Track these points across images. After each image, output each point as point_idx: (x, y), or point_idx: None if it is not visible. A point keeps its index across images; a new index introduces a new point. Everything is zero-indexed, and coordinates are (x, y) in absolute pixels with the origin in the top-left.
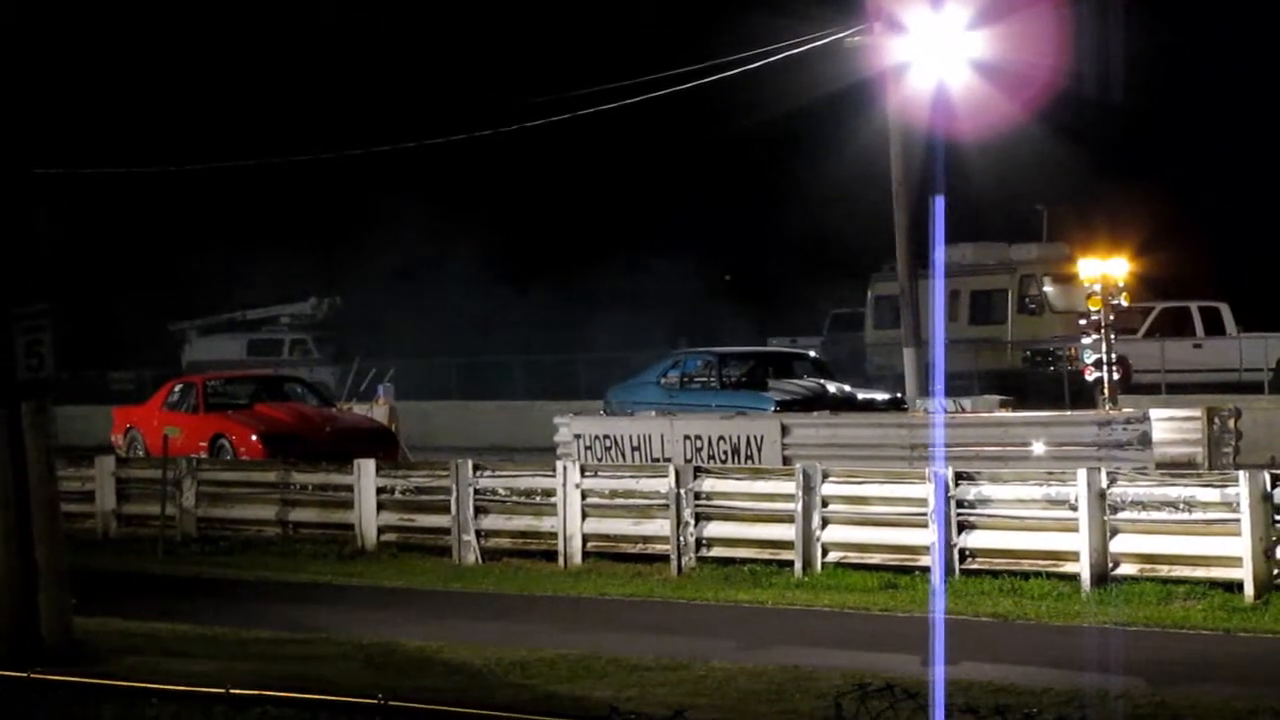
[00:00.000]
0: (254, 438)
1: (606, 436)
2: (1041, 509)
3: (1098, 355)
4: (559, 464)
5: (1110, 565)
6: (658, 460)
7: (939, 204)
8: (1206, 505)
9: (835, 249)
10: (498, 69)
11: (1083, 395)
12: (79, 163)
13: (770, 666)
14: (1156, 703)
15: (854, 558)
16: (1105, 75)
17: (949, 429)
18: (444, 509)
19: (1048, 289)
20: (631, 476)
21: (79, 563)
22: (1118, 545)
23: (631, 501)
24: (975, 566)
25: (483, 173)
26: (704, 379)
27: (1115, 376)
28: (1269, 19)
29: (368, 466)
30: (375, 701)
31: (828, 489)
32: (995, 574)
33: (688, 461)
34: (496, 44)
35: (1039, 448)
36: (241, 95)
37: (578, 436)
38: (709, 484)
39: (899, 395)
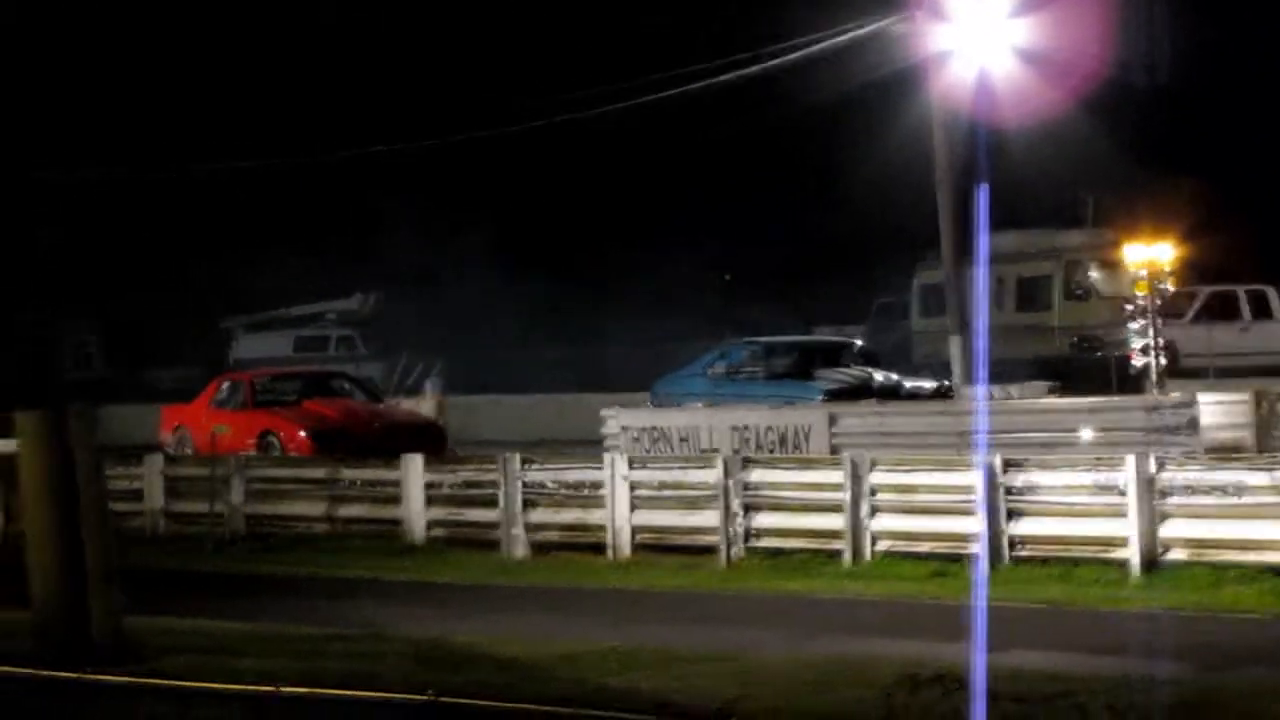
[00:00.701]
0: (302, 434)
1: (654, 428)
2: (1090, 495)
3: (1145, 340)
4: (606, 456)
5: (1160, 550)
6: (705, 451)
7: (983, 191)
8: (1256, 489)
9: (880, 238)
10: (529, 65)
11: (1130, 380)
12: (126, 164)
13: (819, 657)
14: (1208, 688)
15: (903, 546)
16: (1150, 61)
17: (996, 416)
18: (492, 503)
19: (1094, 274)
20: (679, 468)
21: (128, 561)
22: (1167, 530)
23: (680, 493)
24: (1025, 553)
25: (511, 170)
26: (751, 369)
27: (1163, 361)
28: None
29: (415, 461)
30: (426, 698)
31: (876, 478)
32: (1045, 560)
33: (735, 452)
34: (529, 40)
35: (1087, 434)
36: (275, 95)
37: (625, 429)
38: (757, 474)
39: (946, 383)
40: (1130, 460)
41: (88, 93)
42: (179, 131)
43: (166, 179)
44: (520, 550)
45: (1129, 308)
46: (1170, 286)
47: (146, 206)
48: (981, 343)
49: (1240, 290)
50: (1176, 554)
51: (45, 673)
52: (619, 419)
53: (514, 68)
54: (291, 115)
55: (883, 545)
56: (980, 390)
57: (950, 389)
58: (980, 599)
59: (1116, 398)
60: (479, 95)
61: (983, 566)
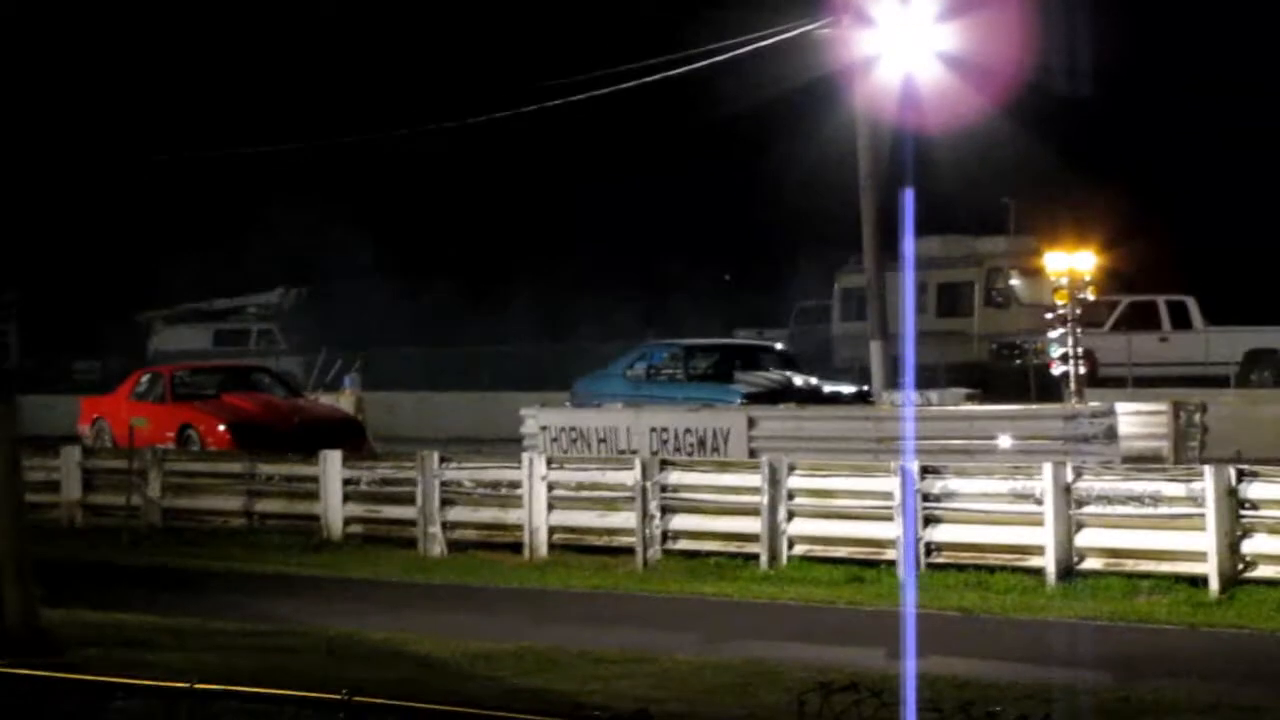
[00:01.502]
0: (221, 428)
1: (573, 428)
2: (1007, 503)
3: (1064, 349)
4: (525, 456)
5: (1076, 559)
6: (624, 452)
7: (908, 197)
8: (1172, 500)
9: (802, 242)
10: (464, 60)
11: (1049, 389)
12: (46, 150)
13: (735, 660)
14: (1121, 697)
15: (820, 551)
16: (1072, 69)
17: (915, 422)
18: (409, 500)
19: (1014, 282)
20: (597, 468)
21: (44, 553)
22: (1083, 539)
23: (597, 494)
24: (941, 560)
25: (447, 165)
26: (670, 371)
27: (1081, 370)
28: (1233, 13)
29: (333, 458)
30: (340, 697)
31: (794, 482)
32: (961, 568)
33: (654, 454)
34: (460, 36)
35: (1005, 441)
36: (209, 84)
37: (544, 428)
38: (675, 476)
39: (865, 388)
40: (1047, 469)
41: (52, 80)
42: (100, 120)
43: (87, 168)
44: (437, 548)
45: (1049, 316)
46: (1090, 295)
47: (65, 195)
48: (908, 348)
49: (1160, 300)
50: (1092, 563)
51: None
52: (538, 419)
53: (441, 65)
54: (215, 107)
55: (799, 549)
56: (904, 395)
57: (870, 394)
58: (906, 605)
59: (1035, 406)
60: (402, 92)
61: (905, 572)
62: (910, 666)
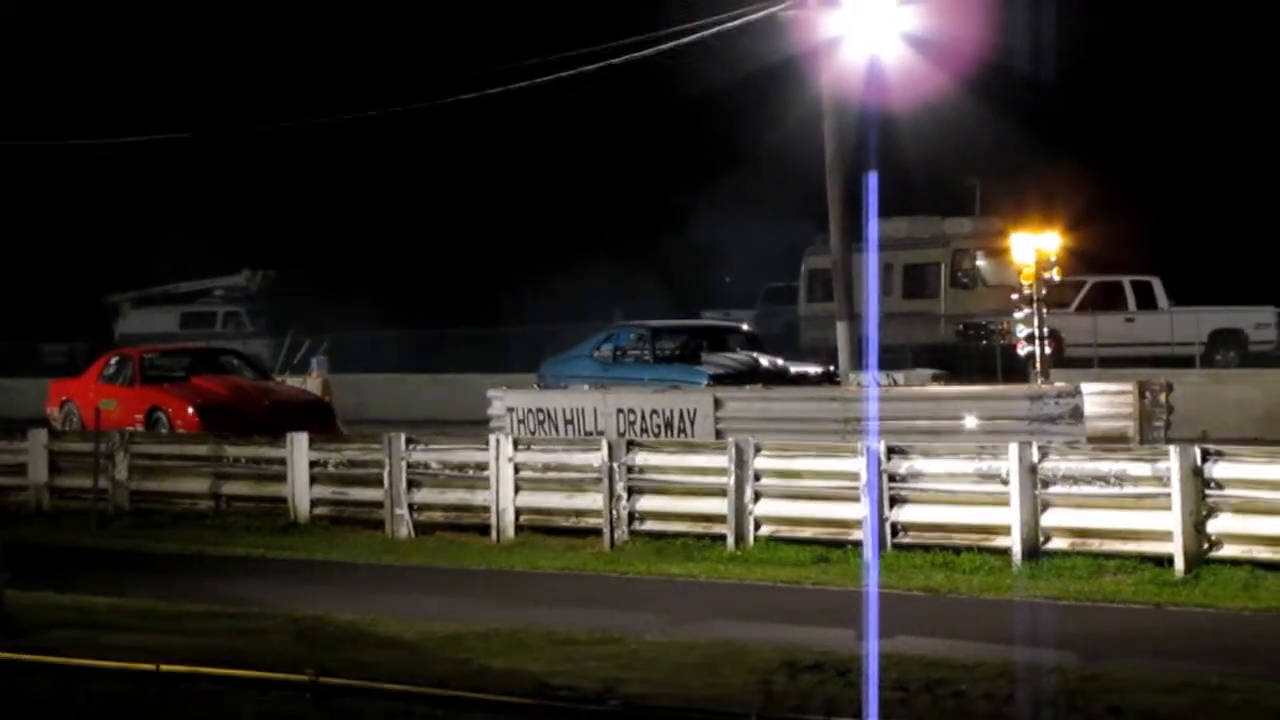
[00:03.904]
0: (190, 411)
1: (540, 410)
2: (973, 483)
3: (1030, 329)
4: (492, 438)
5: (1041, 539)
6: (591, 434)
7: (873, 179)
8: (1137, 480)
9: (769, 222)
10: (429, 41)
11: (1015, 369)
12: (7, 131)
13: (702, 641)
14: (1088, 676)
15: (786, 532)
16: (1037, 49)
17: (881, 403)
18: (377, 482)
19: (980, 263)
20: (564, 450)
21: (11, 536)
22: (1049, 519)
23: (564, 475)
24: (907, 541)
25: (418, 147)
26: (637, 352)
27: (1047, 351)
28: None
29: (300, 440)
30: (307, 678)
31: (760, 463)
32: (927, 548)
33: (621, 435)
34: (428, 17)
35: (971, 422)
36: (175, 64)
37: (511, 410)
38: (641, 457)
39: (832, 369)
40: (1013, 449)
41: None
42: (66, 102)
43: (54, 149)
44: (404, 530)
45: (1015, 296)
46: (1056, 276)
47: (33, 176)
48: (873, 329)
49: (1125, 280)
50: (1058, 543)
51: None
52: (505, 400)
53: (410, 46)
54: (184, 89)
55: (766, 530)
56: (870, 376)
57: (836, 375)
58: (869, 585)
59: (1001, 386)
60: (372, 74)
61: (870, 553)
62: (874, 646)
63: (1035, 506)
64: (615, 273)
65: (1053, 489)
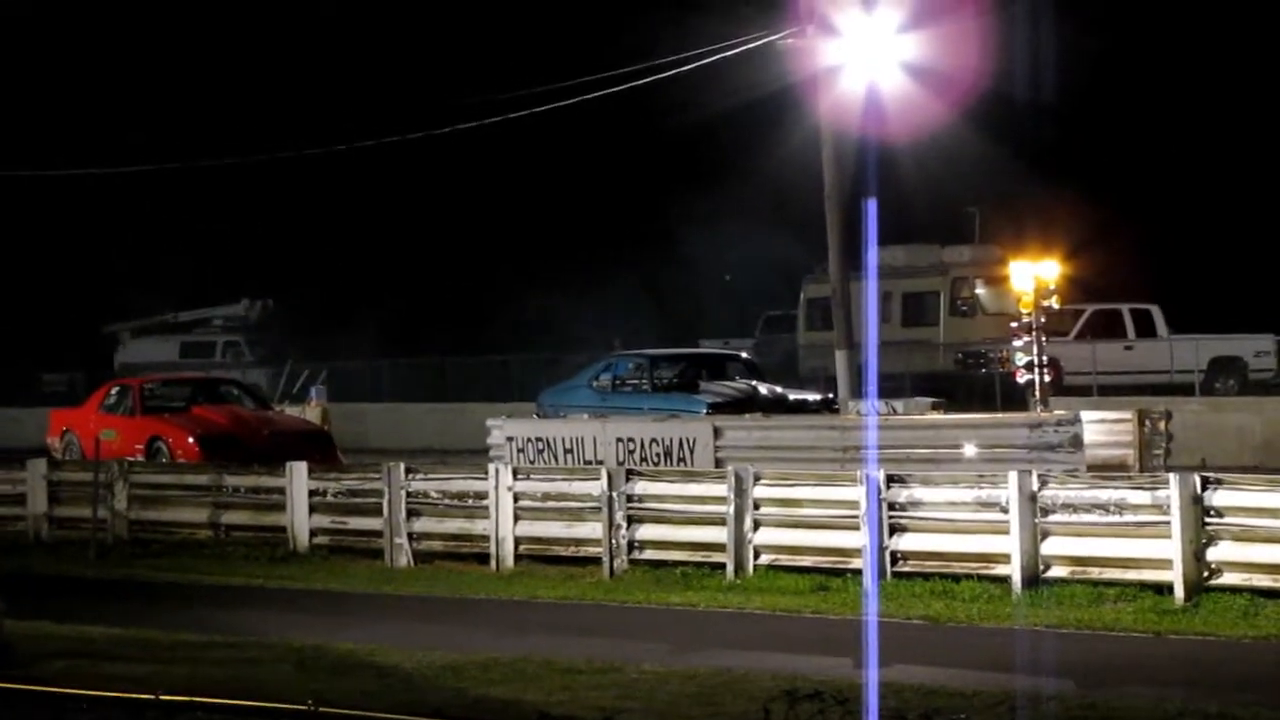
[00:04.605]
0: (191, 440)
1: (539, 439)
2: (973, 511)
3: (1029, 357)
4: (491, 467)
5: (1041, 568)
6: (590, 463)
7: (871, 207)
8: (1137, 508)
9: (768, 251)
10: (431, 69)
11: (1014, 398)
12: (8, 161)
13: (701, 670)
14: (1086, 705)
15: (786, 560)
16: (1036, 78)
17: (881, 431)
18: (376, 511)
19: (980, 291)
20: (564, 479)
21: (10, 566)
22: (1049, 548)
23: (564, 504)
24: (907, 569)
25: (416, 176)
26: (636, 381)
27: (1046, 378)
28: (1197, 22)
29: (299, 469)
30: (305, 707)
31: (760, 491)
32: (927, 576)
33: (620, 464)
34: (432, 44)
35: (970, 450)
36: (175, 94)
37: (510, 439)
38: (641, 486)
39: (831, 397)
40: (1013, 477)
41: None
42: (67, 132)
43: (54, 180)
44: (403, 559)
45: (1014, 324)
46: (1055, 304)
47: (33, 206)
48: (872, 357)
49: (1125, 308)
50: (1058, 571)
51: None
52: (504, 429)
53: (407, 75)
54: (183, 119)
55: (765, 559)
56: (869, 405)
57: (835, 403)
58: (869, 613)
59: (1000, 414)
60: (372, 103)
61: (870, 581)
62: (873, 675)
63: (1035, 535)
64: (614, 301)
65: (1052, 517)
